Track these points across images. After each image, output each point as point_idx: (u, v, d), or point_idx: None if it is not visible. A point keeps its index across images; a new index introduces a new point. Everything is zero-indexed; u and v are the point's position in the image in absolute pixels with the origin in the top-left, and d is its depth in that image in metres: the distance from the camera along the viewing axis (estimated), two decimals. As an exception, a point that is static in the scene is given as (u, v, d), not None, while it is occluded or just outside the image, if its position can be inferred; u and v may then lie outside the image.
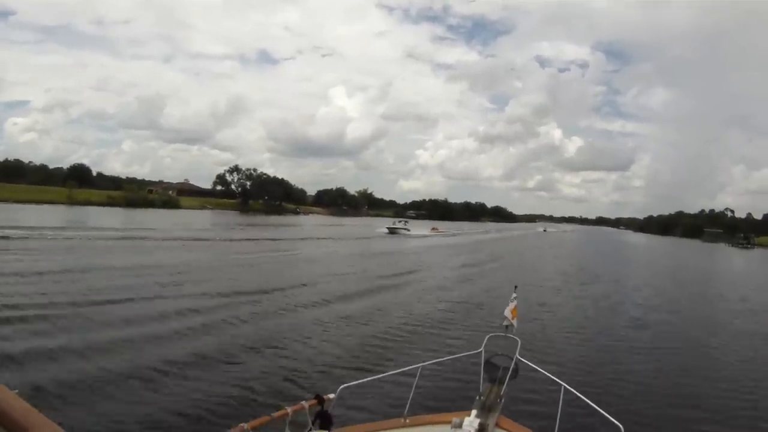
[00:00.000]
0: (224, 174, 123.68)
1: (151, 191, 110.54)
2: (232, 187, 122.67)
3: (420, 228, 73.22)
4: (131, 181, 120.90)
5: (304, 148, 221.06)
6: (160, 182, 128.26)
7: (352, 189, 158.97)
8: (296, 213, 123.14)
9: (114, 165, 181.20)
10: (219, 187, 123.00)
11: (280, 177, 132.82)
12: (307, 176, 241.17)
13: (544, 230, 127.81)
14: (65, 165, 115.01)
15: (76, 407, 6.89)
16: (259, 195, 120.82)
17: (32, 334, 10.12)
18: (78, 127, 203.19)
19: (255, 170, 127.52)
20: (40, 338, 9.86)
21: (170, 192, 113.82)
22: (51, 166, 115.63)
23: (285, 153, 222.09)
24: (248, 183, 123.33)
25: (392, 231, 64.23)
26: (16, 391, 0.93)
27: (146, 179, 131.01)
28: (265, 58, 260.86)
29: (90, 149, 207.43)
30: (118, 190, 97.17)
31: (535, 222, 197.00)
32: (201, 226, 50.97)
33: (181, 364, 9.00)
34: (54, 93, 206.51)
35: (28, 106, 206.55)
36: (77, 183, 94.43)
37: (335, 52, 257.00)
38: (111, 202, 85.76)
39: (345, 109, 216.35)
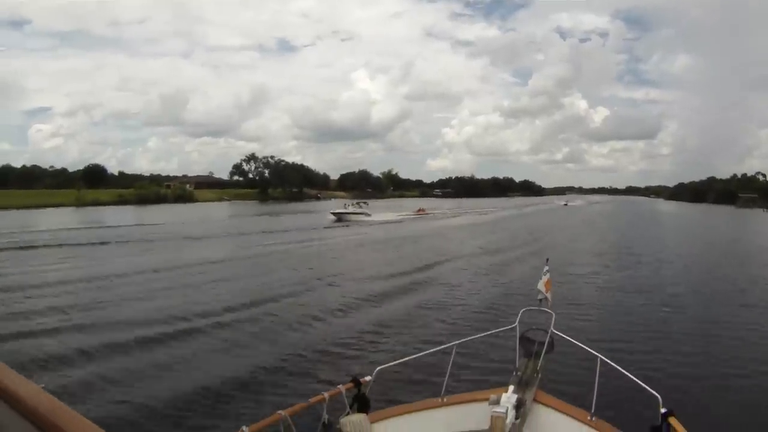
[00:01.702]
0: (241, 163, 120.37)
1: (169, 186, 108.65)
2: (251, 176, 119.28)
3: (390, 211, 58.03)
4: (155, 178, 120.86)
5: (330, 133, 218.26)
6: (184, 176, 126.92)
7: (381, 171, 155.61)
8: (317, 198, 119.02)
9: (141, 163, 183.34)
10: (237, 178, 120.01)
11: (304, 164, 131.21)
12: (335, 161, 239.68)
13: (565, 204, 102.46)
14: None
15: (107, 399, 7.21)
16: (278, 182, 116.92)
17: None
18: (102, 128, 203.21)
19: (272, 157, 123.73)
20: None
21: (188, 186, 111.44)
22: (79, 169, 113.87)
23: (311, 139, 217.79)
24: (266, 171, 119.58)
25: (340, 217, 49.20)
26: (43, 386, 0.95)
27: (171, 175, 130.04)
28: (285, 47, 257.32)
29: (116, 149, 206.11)
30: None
31: (565, 194, 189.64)
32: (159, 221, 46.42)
33: (215, 353, 9.31)
34: (75, 97, 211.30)
35: (51, 111, 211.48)
36: (89, 184, 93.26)
37: (354, 35, 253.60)
38: (121, 201, 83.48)
39: (368, 92, 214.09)
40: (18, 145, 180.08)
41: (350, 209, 51.55)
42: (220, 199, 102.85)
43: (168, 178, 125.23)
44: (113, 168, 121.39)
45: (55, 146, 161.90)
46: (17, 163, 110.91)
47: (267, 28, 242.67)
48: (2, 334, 10.37)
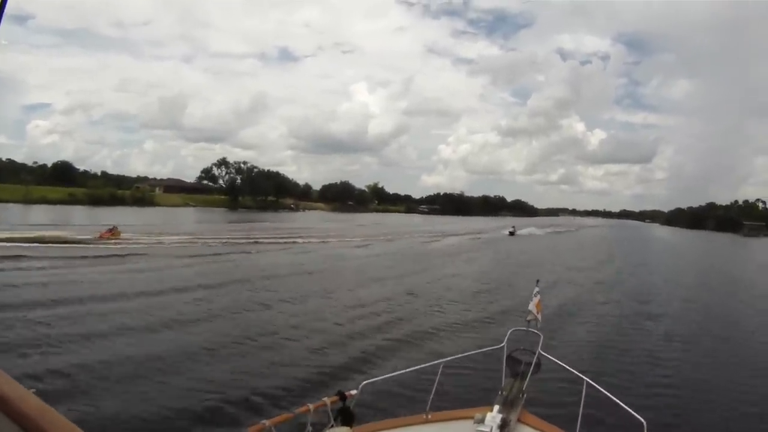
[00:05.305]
0: (211, 167, 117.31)
1: (138, 188, 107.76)
2: (221, 182, 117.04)
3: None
4: (143, 180, 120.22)
5: (327, 145, 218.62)
6: (163, 179, 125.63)
7: (366, 184, 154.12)
8: (291, 209, 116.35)
9: (136, 165, 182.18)
10: (206, 182, 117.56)
11: (299, 175, 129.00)
12: (330, 173, 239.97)
13: (511, 233, 64.92)
14: (86, 166, 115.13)
15: (88, 405, 7.19)
16: (250, 190, 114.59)
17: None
18: (100, 128, 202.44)
19: (245, 163, 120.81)
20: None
21: (157, 189, 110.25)
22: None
23: (307, 150, 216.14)
24: (239, 177, 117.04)
25: None
26: (33, 390, 0.94)
27: (161, 178, 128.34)
28: (286, 56, 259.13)
29: (112, 150, 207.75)
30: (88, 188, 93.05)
31: (558, 216, 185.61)
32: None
33: (200, 361, 9.39)
34: (75, 95, 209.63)
35: (50, 108, 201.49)
36: (58, 182, 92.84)
37: (356, 48, 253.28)
38: (71, 200, 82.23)
39: (367, 105, 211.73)
40: (15, 140, 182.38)
41: None
42: (185, 205, 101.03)
43: (156, 180, 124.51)
44: (108, 168, 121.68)
45: (52, 143, 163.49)
46: (15, 157, 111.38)
47: (270, 36, 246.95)
48: None
